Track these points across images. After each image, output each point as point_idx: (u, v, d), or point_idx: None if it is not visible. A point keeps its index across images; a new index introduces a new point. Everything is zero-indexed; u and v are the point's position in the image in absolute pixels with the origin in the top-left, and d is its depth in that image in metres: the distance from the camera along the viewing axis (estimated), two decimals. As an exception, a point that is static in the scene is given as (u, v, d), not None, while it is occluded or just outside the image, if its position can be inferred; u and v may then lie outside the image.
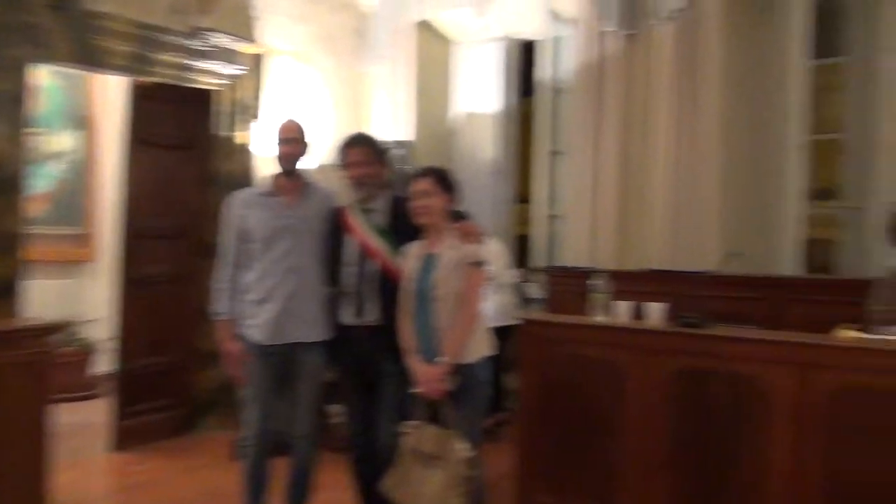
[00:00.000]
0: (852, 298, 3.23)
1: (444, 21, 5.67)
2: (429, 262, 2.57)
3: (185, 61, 4.38)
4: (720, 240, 4.16)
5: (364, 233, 2.75)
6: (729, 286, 3.50)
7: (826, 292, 3.53)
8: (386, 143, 2.98)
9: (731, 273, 3.25)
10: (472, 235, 2.57)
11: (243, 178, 4.66)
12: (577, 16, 4.71)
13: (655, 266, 4.29)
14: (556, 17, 5.03)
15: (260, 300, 2.79)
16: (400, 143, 5.23)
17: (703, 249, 4.20)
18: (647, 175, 4.49)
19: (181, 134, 4.58)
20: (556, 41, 5.13)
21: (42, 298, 4.30)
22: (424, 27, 5.64)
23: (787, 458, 2.43)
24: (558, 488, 2.95)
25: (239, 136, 4.72)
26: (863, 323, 2.82)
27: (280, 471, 2.89)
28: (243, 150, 4.74)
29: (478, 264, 2.51)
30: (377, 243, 2.73)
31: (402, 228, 2.72)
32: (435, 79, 5.80)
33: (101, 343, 5.53)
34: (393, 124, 5.49)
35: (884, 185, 4.11)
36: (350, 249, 2.77)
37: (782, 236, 4.13)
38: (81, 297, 5.64)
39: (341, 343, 2.79)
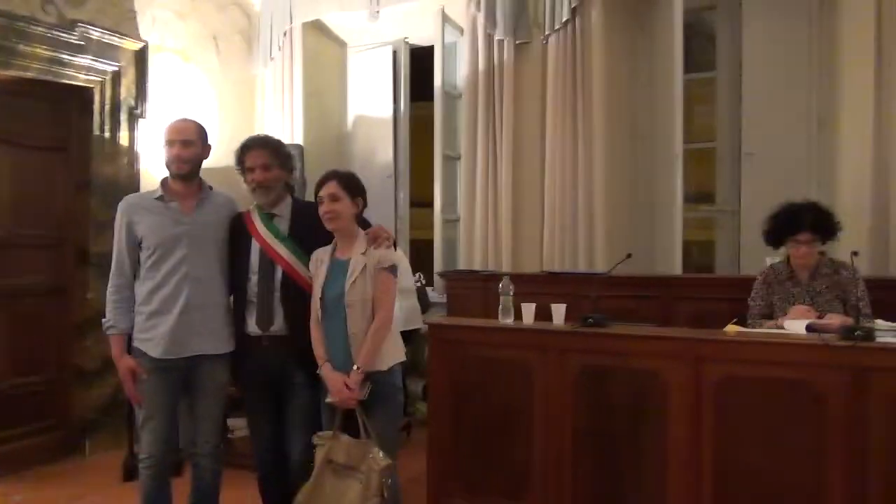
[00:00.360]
0: (729, 295, 3.54)
1: (336, 24, 5.59)
2: (338, 268, 2.52)
3: (56, 55, 4.05)
4: (608, 242, 4.38)
5: (268, 239, 2.65)
6: (621, 286, 3.69)
7: (707, 290, 3.80)
8: (288, 146, 2.87)
9: (622, 274, 3.42)
10: (382, 239, 2.55)
11: (127, 183, 4.38)
12: (468, 23, 4.80)
13: (548, 269, 4.46)
14: (448, 23, 5.10)
15: (155, 312, 2.62)
16: (290, 147, 5.09)
17: (593, 251, 4.41)
18: (539, 180, 4.64)
19: (54, 134, 4.23)
20: (450, 47, 5.20)
21: None
22: (316, 29, 5.54)
23: (682, 447, 2.60)
24: (471, 489, 2.99)
25: (121, 137, 4.42)
26: (743, 318, 3.09)
27: (180, 491, 2.74)
28: (126, 152, 4.45)
29: (390, 269, 2.50)
30: (282, 249, 2.63)
31: (305, 234, 2.65)
32: (327, 82, 5.72)
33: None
34: (283, 128, 5.35)
35: (750, 189, 4.49)
36: (253, 256, 2.65)
37: (665, 239, 4.41)
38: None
39: (246, 354, 2.66)
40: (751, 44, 4.58)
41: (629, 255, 3.25)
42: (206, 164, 2.77)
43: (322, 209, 2.53)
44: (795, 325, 2.67)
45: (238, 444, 3.99)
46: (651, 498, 2.65)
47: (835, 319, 2.69)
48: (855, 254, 2.77)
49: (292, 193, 2.83)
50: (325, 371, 2.48)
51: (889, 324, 2.61)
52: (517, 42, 4.70)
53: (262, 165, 2.65)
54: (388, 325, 2.50)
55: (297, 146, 5.05)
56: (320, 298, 2.51)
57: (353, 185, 2.57)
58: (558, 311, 2.93)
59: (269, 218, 2.68)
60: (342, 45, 5.86)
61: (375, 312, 2.46)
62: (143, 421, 2.64)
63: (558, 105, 4.55)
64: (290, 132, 5.33)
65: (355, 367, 2.42)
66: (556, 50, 4.55)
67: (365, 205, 2.62)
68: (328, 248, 2.60)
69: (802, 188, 4.21)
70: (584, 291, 3.40)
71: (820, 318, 2.77)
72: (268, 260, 2.63)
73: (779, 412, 2.45)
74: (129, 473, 3.75)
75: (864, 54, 3.77)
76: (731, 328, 2.75)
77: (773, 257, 3.28)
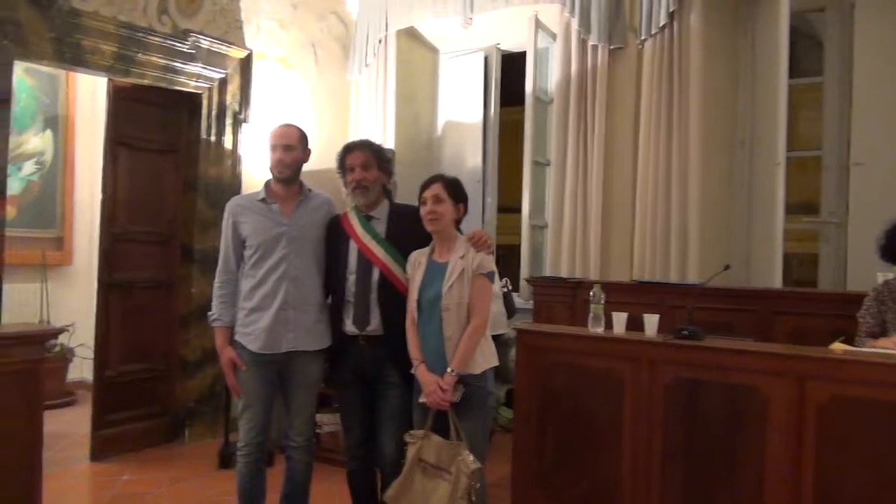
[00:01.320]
0: (833, 311, 3.37)
1: (429, 30, 5.69)
2: (436, 271, 2.56)
3: (170, 63, 4.31)
4: (702, 252, 4.24)
5: (365, 240, 2.72)
6: (716, 298, 3.57)
7: (809, 305, 3.62)
8: (388, 150, 2.93)
9: (717, 286, 3.31)
10: (483, 244, 2.58)
11: (231, 184, 4.61)
12: (562, 29, 4.77)
13: (638, 278, 4.37)
14: (542, 28, 5.09)
15: (254, 308, 2.75)
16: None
17: (686, 262, 4.28)
18: (630, 187, 4.56)
19: (165, 137, 4.50)
20: (542, 53, 5.18)
21: (17, 302, 4.18)
22: (409, 36, 5.65)
23: (782, 469, 2.48)
24: (554, 497, 2.96)
25: (226, 141, 4.65)
26: (850, 336, 2.92)
27: (273, 481, 2.85)
28: (231, 155, 4.68)
29: (488, 275, 2.52)
30: (379, 251, 2.70)
31: (401, 237, 2.70)
32: (419, 88, 5.82)
33: (79, 349, 5.40)
34: (375, 132, 5.49)
35: (860, 200, 4.25)
36: (351, 257, 2.72)
37: (765, 250, 4.23)
38: (57, 302, 5.48)
39: (343, 353, 2.75)
40: (863, 48, 4.33)
41: (727, 267, 3.15)
42: (305, 167, 2.88)
43: (424, 210, 2.57)
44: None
45: (326, 440, 4.12)
46: (746, 519, 2.55)
47: None
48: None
49: (390, 198, 2.89)
50: (420, 372, 2.52)
51: None
52: (612, 47, 4.63)
53: (362, 164, 2.72)
54: (482, 330, 2.52)
55: (390, 150, 5.17)
56: (416, 300, 2.56)
57: (457, 190, 2.61)
58: (651, 321, 2.87)
59: (366, 220, 2.75)
60: (434, 51, 5.95)
61: (471, 317, 2.49)
62: (242, 410, 2.78)
63: (653, 111, 4.45)
64: (383, 137, 5.46)
65: (449, 370, 2.45)
66: (652, 55, 4.46)
67: (466, 211, 2.65)
68: (425, 251, 2.64)
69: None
70: (676, 302, 3.34)
71: None
72: (365, 261, 2.69)
73: (889, 437, 2.31)
74: (225, 461, 3.94)
75: None
76: (838, 346, 2.61)
77: (885, 273, 3.10)
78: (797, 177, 4.76)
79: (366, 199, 2.75)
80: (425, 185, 2.61)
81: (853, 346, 2.79)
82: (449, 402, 2.45)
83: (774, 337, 3.48)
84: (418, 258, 2.63)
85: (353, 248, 2.73)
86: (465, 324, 2.49)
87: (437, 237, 2.61)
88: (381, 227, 2.75)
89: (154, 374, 4.45)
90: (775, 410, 2.50)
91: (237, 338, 2.78)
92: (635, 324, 2.93)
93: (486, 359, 2.55)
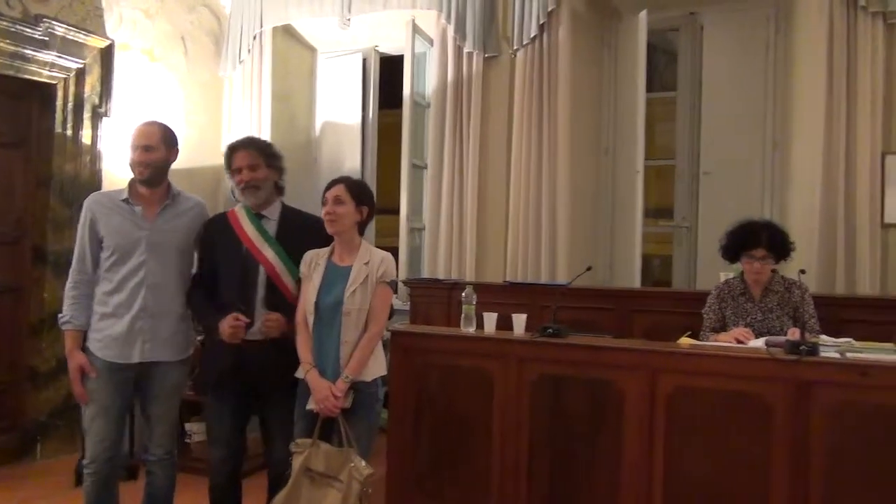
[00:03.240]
0: (685, 309, 3.65)
1: (306, 29, 5.60)
2: (338, 275, 2.51)
3: (19, 50, 3.98)
4: (570, 254, 4.46)
5: (254, 239, 2.61)
6: (581, 298, 3.76)
7: (664, 303, 3.90)
8: (277, 148, 2.83)
9: (582, 286, 3.50)
10: (270, 329, 2.55)
11: (89, 181, 4.32)
12: (438, 35, 4.86)
13: (511, 279, 4.53)
14: (419, 34, 5.15)
15: (108, 314, 2.59)
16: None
17: (556, 263, 4.49)
18: (504, 191, 4.71)
19: (13, 129, 4.15)
20: (420, 57, 5.25)
21: None
22: (286, 34, 5.54)
23: (635, 455, 2.67)
24: (429, 497, 3.02)
25: (84, 136, 4.36)
26: (696, 331, 3.18)
27: (132, 496, 2.71)
28: (90, 151, 4.39)
29: (391, 284, 2.53)
30: (268, 251, 2.59)
31: (292, 240, 2.62)
32: (296, 87, 5.72)
33: None
34: (250, 131, 5.33)
35: (707, 205, 4.64)
36: (237, 256, 2.60)
37: (625, 252, 4.51)
38: None
39: (221, 356, 2.59)
40: (711, 66, 4.73)
41: (589, 268, 3.33)
42: (173, 165, 2.75)
43: (325, 210, 2.51)
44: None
45: (196, 449, 3.96)
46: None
47: (795, 336, 2.79)
48: (802, 272, 2.89)
49: (283, 194, 2.78)
50: (312, 377, 2.45)
51: (833, 339, 2.72)
52: (486, 55, 4.77)
53: (248, 166, 2.63)
54: (379, 338, 2.53)
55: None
56: (313, 303, 2.48)
57: (360, 193, 2.57)
58: (518, 320, 2.99)
59: (257, 218, 2.65)
60: (312, 50, 5.87)
61: (369, 323, 2.47)
62: (88, 422, 2.59)
63: (525, 118, 4.63)
64: (258, 136, 5.31)
65: (344, 376, 2.42)
66: (525, 64, 4.63)
67: (371, 214, 2.61)
68: (324, 252, 2.58)
69: (756, 208, 4.37)
70: (545, 302, 3.48)
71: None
72: (252, 261, 2.59)
73: (728, 423, 2.54)
74: (80, 478, 3.68)
75: (815, 83, 3.93)
76: (685, 341, 2.84)
77: (727, 273, 3.40)
78: (655, 184, 5.12)
79: (256, 199, 2.65)
80: (328, 187, 2.57)
81: (698, 340, 3.05)
82: (340, 408, 2.41)
83: (633, 334, 3.72)
84: (315, 259, 2.56)
85: (238, 246, 2.61)
86: (363, 330, 2.47)
87: (338, 240, 2.56)
88: (272, 227, 2.66)
89: (2, 386, 4.09)
90: (630, 402, 2.68)
91: (88, 343, 2.60)
92: (508, 323, 3.04)
93: (378, 366, 2.55)
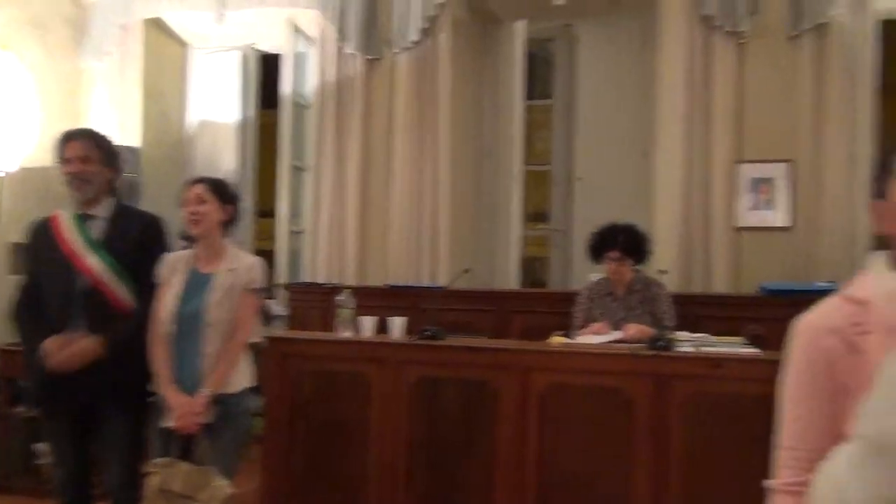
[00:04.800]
0: (560, 309, 3.77)
1: (180, 23, 5.34)
2: (200, 282, 2.36)
3: None
4: (451, 257, 4.51)
5: (75, 245, 2.35)
6: (460, 300, 3.81)
7: (539, 303, 4.02)
8: (123, 147, 2.62)
9: (461, 288, 3.54)
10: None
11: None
12: (319, 34, 4.78)
13: (394, 282, 4.52)
14: (300, 33, 5.04)
15: None
16: (124, 150, 4.78)
17: (437, 266, 4.53)
18: (387, 195, 4.70)
19: None
20: (301, 56, 5.14)
21: None
22: (157, 27, 5.25)
23: (509, 453, 2.72)
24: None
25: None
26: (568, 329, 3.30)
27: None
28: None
29: (258, 291, 2.41)
30: (91, 258, 2.34)
31: (123, 244, 2.39)
32: (168, 83, 5.43)
33: None
34: (117, 128, 5.01)
35: (582, 210, 4.83)
36: (56, 268, 2.35)
37: (504, 254, 4.62)
38: None
39: (47, 379, 2.32)
40: (585, 77, 4.95)
41: (466, 270, 3.38)
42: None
43: (187, 211, 2.34)
44: (593, 339, 2.92)
45: (47, 471, 3.66)
46: (479, 502, 2.75)
47: (631, 329, 2.96)
48: (662, 272, 3.06)
49: (116, 195, 2.55)
50: (170, 393, 2.29)
51: (690, 334, 2.90)
52: (368, 57, 4.74)
53: (80, 157, 2.40)
54: (243, 347, 2.40)
55: (133, 148, 4.76)
56: (172, 312, 2.32)
57: (223, 190, 2.43)
58: (396, 324, 2.98)
59: (82, 220, 2.41)
60: (186, 45, 5.60)
61: (234, 332, 2.34)
62: None
63: (407, 121, 4.63)
64: (126, 133, 5.00)
65: (204, 390, 2.28)
66: (406, 68, 4.64)
67: (237, 215, 2.47)
68: (184, 255, 2.41)
69: (626, 212, 4.58)
70: (426, 305, 3.49)
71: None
72: (73, 271, 2.34)
73: (595, 418, 2.65)
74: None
75: (676, 96, 4.17)
76: (556, 339, 2.94)
77: (597, 273, 3.54)
78: (534, 188, 5.28)
79: (83, 194, 2.41)
80: (185, 188, 2.40)
81: (569, 338, 3.16)
82: (200, 424, 2.27)
83: (511, 334, 3.80)
84: (175, 263, 2.40)
85: (58, 255, 2.36)
86: (227, 341, 2.33)
87: (202, 243, 2.40)
88: (99, 228, 2.41)
89: None
90: (504, 401, 2.74)
91: None
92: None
93: (243, 376, 2.43)
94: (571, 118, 4.99)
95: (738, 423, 2.49)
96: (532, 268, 5.62)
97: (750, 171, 4.01)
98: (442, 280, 4.40)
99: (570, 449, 2.67)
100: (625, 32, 4.84)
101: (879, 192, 1.07)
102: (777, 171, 3.97)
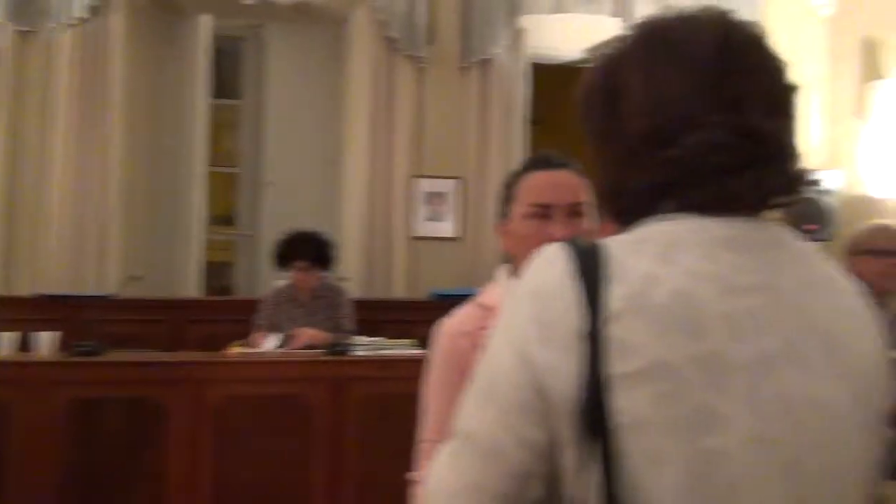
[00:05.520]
0: (246, 316, 3.66)
1: None
2: None
3: None
4: (123, 262, 4.08)
5: None
6: (131, 310, 3.48)
7: (222, 311, 3.85)
8: None
9: (132, 296, 3.23)
10: None
11: None
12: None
13: (49, 290, 3.93)
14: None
15: None
16: None
17: (105, 272, 4.06)
18: (41, 190, 4.08)
19: None
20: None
21: None
22: None
23: (182, 471, 2.55)
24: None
25: None
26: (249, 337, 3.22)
27: None
28: None
29: None
30: None
31: None
32: None
33: None
34: None
35: (270, 214, 4.76)
36: None
37: (184, 260, 4.33)
38: None
39: None
40: (275, 80, 4.90)
41: (137, 277, 3.10)
42: None
43: None
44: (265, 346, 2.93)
45: None
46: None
47: (304, 336, 3.00)
48: (344, 279, 3.16)
49: None
50: None
51: (368, 339, 3.03)
52: (19, 28, 4.07)
53: None
54: None
55: None
56: None
57: None
58: (43, 339, 2.59)
59: None
60: None
61: None
62: None
63: (69, 107, 4.07)
64: None
65: None
66: (71, 47, 4.08)
67: None
68: None
69: (316, 218, 4.64)
70: (87, 316, 3.12)
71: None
72: None
73: (274, 427, 2.62)
74: None
75: (362, 110, 4.34)
76: (235, 349, 2.84)
77: (282, 280, 3.51)
78: (222, 191, 5.05)
79: None
80: None
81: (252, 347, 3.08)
82: None
83: (187, 346, 3.56)
84: None
85: None
86: None
87: None
88: None
89: None
90: (175, 417, 2.56)
91: None
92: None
93: None
94: (261, 121, 4.89)
95: (410, 421, 2.66)
96: (218, 274, 5.37)
97: (426, 186, 4.35)
98: (110, 288, 3.95)
99: (248, 462, 2.59)
100: (315, 42, 4.90)
101: (504, 214, 1.24)
102: (448, 186, 4.37)
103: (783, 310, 0.64)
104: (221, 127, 5.01)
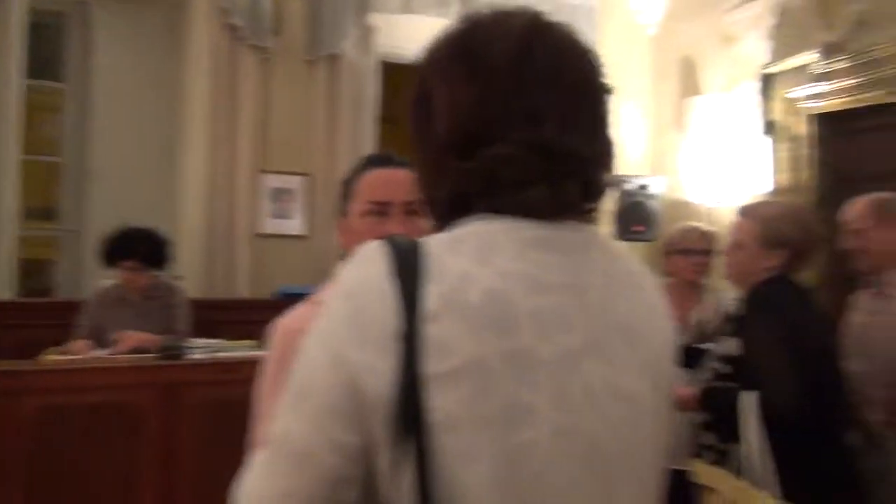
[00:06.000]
0: (67, 320, 3.35)
1: None
2: None
3: None
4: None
5: None
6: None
7: (40, 315, 3.50)
8: None
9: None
10: None
11: None
12: None
13: None
14: None
15: None
16: None
17: None
18: None
19: None
20: None
21: None
22: None
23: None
24: None
25: None
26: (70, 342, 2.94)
27: None
28: None
29: None
30: None
31: None
32: None
33: None
34: None
35: (98, 208, 4.38)
36: None
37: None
38: None
39: None
40: (104, 62, 4.51)
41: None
42: None
43: None
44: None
45: None
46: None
47: (131, 340, 2.81)
48: (178, 278, 2.98)
49: None
50: None
51: (205, 340, 2.88)
52: None
53: None
54: None
55: None
56: None
57: None
58: None
59: None
60: None
61: None
62: None
63: None
64: None
65: None
66: None
67: None
68: None
69: (149, 213, 4.33)
70: None
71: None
72: None
73: (100, 439, 2.41)
74: None
75: (202, 101, 4.10)
76: (51, 356, 2.58)
77: (109, 279, 3.25)
78: (39, 182, 4.58)
79: None
80: None
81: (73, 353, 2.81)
82: None
83: (1, 353, 3.21)
84: None
85: None
86: None
87: None
88: None
89: None
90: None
91: None
92: None
93: None
94: (87, 106, 4.48)
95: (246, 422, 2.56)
96: (36, 273, 4.87)
97: (272, 182, 4.21)
98: None
99: (70, 478, 2.37)
100: (149, 23, 4.56)
101: (343, 212, 1.22)
102: (295, 182, 4.26)
103: (588, 307, 0.68)
104: (39, 111, 4.54)
